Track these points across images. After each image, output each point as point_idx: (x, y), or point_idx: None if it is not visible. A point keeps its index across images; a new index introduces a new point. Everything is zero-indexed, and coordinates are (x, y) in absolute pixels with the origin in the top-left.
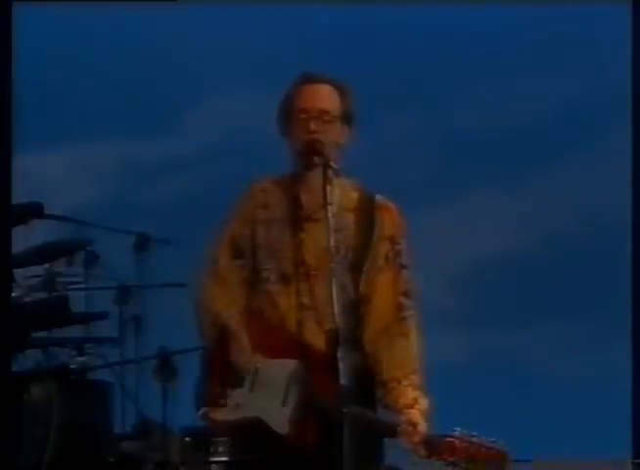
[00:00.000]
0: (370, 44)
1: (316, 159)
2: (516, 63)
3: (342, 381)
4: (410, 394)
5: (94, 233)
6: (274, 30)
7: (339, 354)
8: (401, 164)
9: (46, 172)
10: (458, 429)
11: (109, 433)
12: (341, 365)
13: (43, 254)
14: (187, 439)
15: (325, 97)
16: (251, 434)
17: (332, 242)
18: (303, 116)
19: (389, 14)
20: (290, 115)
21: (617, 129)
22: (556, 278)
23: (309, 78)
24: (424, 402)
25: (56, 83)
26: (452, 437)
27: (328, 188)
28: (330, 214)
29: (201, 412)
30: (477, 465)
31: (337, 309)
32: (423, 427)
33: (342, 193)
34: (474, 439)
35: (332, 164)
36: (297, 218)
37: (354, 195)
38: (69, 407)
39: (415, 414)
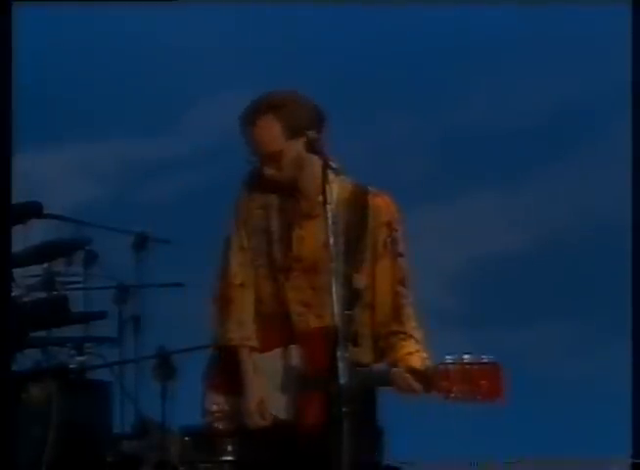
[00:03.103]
0: (369, 44)
1: (315, 158)
2: (516, 63)
3: (342, 380)
4: (413, 346)
5: (93, 233)
6: (274, 30)
7: (338, 354)
8: (401, 163)
9: (45, 172)
10: (449, 356)
11: (108, 432)
12: (340, 364)
13: (42, 253)
14: (186, 438)
15: (270, 136)
16: (258, 434)
17: (331, 241)
18: (259, 158)
19: (389, 13)
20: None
21: (617, 129)
22: (556, 278)
23: (249, 117)
24: (425, 355)
25: (55, 83)
26: (445, 363)
27: (327, 187)
28: (329, 213)
29: (206, 423)
30: None
31: (336, 309)
32: (421, 368)
33: (339, 187)
34: (465, 359)
35: (331, 163)
36: (295, 216)
37: (349, 188)
38: (69, 407)
39: (414, 359)
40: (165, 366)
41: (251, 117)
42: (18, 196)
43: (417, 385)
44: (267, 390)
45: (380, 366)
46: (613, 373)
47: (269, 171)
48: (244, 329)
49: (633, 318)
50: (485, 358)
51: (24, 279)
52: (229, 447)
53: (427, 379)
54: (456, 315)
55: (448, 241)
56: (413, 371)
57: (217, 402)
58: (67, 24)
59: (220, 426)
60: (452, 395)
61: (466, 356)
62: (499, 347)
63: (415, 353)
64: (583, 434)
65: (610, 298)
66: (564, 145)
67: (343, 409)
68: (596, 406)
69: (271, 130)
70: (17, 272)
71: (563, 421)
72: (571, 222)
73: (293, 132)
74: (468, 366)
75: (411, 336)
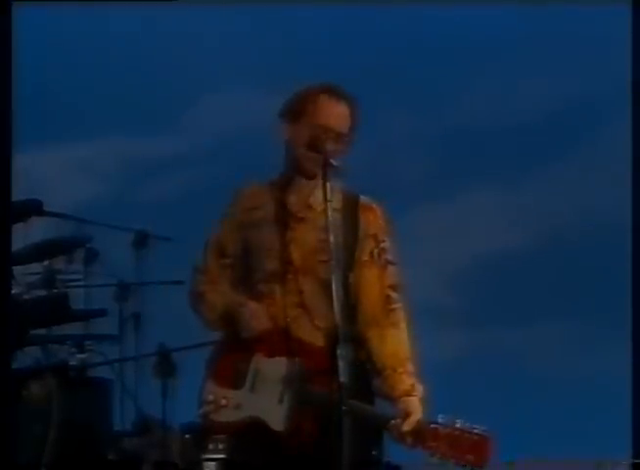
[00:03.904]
0: (369, 43)
1: (316, 157)
2: (516, 62)
3: (342, 379)
4: (406, 381)
5: (93, 230)
6: (274, 30)
7: (338, 352)
8: (401, 161)
9: (45, 170)
10: (442, 416)
11: (108, 430)
12: (340, 363)
13: (42, 251)
14: (187, 436)
15: (344, 120)
16: (250, 433)
17: (331, 238)
18: (321, 132)
19: (389, 13)
20: (303, 118)
21: (617, 128)
22: (556, 277)
23: (331, 92)
24: (420, 389)
25: (55, 82)
26: (436, 423)
27: (328, 185)
28: (329, 211)
29: (201, 413)
30: None
31: (336, 306)
32: (418, 415)
33: (331, 192)
34: (457, 425)
35: (332, 161)
36: (284, 218)
37: (339, 195)
38: (69, 405)
39: (414, 402)
40: (166, 364)
41: (333, 92)
42: (18, 194)
43: (409, 440)
44: (265, 398)
45: (382, 412)
46: (613, 373)
47: (331, 148)
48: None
49: (633, 318)
50: (477, 429)
51: (25, 277)
52: (229, 446)
53: (416, 435)
54: (456, 314)
55: (448, 239)
56: (409, 426)
57: (214, 393)
58: (67, 24)
59: (215, 417)
60: (438, 455)
61: (458, 421)
62: (499, 346)
63: (412, 393)
64: (583, 434)
65: (610, 297)
66: (564, 144)
67: (343, 408)
68: (596, 406)
69: (343, 113)
70: (17, 270)
71: (563, 421)
72: (572, 221)
73: (354, 125)
74: (458, 433)
75: (405, 357)
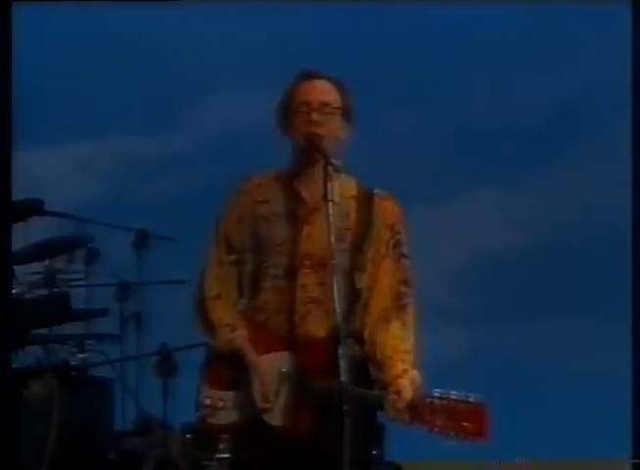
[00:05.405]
0: (370, 43)
1: (316, 155)
2: (516, 62)
3: (343, 378)
4: (400, 366)
5: (94, 230)
6: (274, 29)
7: (339, 351)
8: (402, 160)
9: (46, 169)
10: (438, 390)
11: (109, 430)
12: (341, 362)
13: (43, 251)
14: (187, 436)
15: (325, 91)
16: (249, 431)
17: (332, 239)
18: (304, 108)
19: (390, 13)
20: (290, 109)
21: (617, 128)
22: (557, 276)
23: (309, 74)
24: (413, 373)
25: (55, 81)
26: (431, 397)
27: (329, 184)
28: (330, 211)
29: (199, 417)
30: None
31: (338, 307)
32: (408, 393)
33: (342, 183)
34: (452, 396)
35: (332, 160)
36: (301, 212)
37: (353, 185)
38: (70, 404)
39: (403, 383)
40: (167, 363)
41: (311, 73)
42: (18, 193)
43: (406, 416)
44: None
45: (376, 391)
46: (613, 372)
47: (315, 119)
48: (229, 329)
49: (633, 316)
50: (472, 398)
51: (26, 276)
52: (230, 445)
53: (413, 411)
54: (457, 313)
55: (449, 238)
56: (403, 402)
57: (211, 396)
58: (66, 24)
59: (212, 420)
60: (436, 429)
61: (453, 393)
62: (500, 344)
63: (404, 376)
64: (583, 434)
65: (610, 296)
66: (564, 144)
67: (345, 408)
68: (596, 406)
69: (322, 86)
70: (18, 270)
71: (562, 421)
72: (573, 220)
73: (345, 102)
74: (453, 403)
75: (404, 350)
